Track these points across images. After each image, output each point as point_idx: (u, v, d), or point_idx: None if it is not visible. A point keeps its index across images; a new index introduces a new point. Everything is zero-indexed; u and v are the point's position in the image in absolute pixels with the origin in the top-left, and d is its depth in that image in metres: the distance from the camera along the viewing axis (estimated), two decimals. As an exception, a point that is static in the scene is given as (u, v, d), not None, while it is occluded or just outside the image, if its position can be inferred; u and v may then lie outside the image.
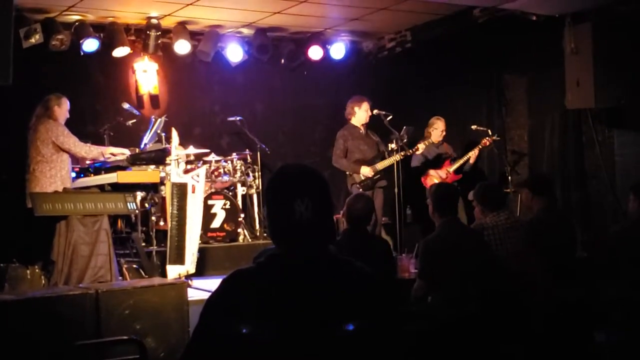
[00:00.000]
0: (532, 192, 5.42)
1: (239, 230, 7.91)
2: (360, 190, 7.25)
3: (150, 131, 7.58)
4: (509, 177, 8.12)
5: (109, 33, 8.11)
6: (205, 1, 7.47)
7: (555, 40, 7.49)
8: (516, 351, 4.42)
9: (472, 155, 8.06)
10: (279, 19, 8.27)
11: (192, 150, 7.60)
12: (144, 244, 6.97)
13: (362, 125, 7.68)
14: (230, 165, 8.18)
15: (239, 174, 8.21)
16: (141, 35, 8.36)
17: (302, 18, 8.27)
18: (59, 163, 6.44)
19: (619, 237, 5.23)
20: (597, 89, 7.07)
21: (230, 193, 8.02)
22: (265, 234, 8.15)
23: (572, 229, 5.54)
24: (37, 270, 6.16)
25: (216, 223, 7.71)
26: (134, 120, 7.80)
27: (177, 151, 6.61)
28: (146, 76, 8.63)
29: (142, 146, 7.45)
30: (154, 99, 8.74)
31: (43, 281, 6.13)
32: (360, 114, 7.64)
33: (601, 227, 7.58)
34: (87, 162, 6.89)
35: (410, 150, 7.61)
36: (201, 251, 6.75)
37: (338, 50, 9.31)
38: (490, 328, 4.34)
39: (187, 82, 9.03)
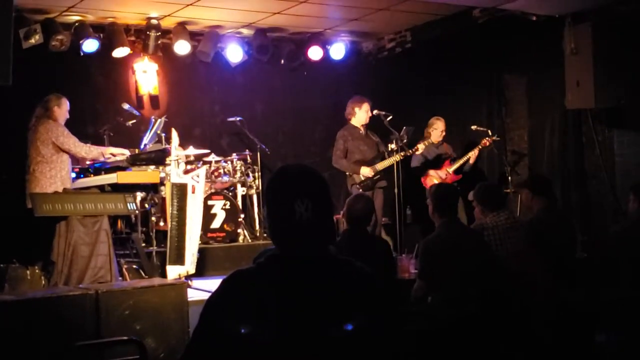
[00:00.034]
0: (532, 192, 5.42)
1: (239, 230, 7.91)
2: (360, 190, 7.25)
3: (150, 132, 7.58)
4: (509, 178, 8.12)
5: (109, 33, 8.11)
6: (205, 2, 7.47)
7: (555, 40, 7.50)
8: (516, 351, 4.42)
9: (472, 155, 8.06)
10: (278, 20, 8.27)
11: (192, 150, 7.59)
12: (143, 245, 6.96)
13: (362, 125, 7.68)
14: (230, 165, 8.18)
15: (238, 174, 8.21)
16: (141, 36, 8.37)
17: (301, 18, 8.27)
18: (59, 163, 6.44)
19: (618, 238, 5.24)
20: (597, 89, 7.07)
21: (230, 193, 8.02)
22: (265, 235, 8.15)
23: (572, 229, 5.54)
24: (37, 271, 6.16)
25: (216, 223, 7.71)
26: (134, 121, 7.79)
27: (177, 152, 6.61)
28: (146, 77, 8.63)
29: (142, 147, 7.45)
30: (153, 99, 8.74)
31: (43, 282, 6.13)
32: (360, 115, 7.64)
33: (601, 227, 7.58)
34: (87, 162, 6.89)
35: (410, 151, 7.61)
36: (201, 251, 6.75)
37: (338, 51, 9.32)
38: (490, 328, 4.34)
39: (187, 83, 9.03)
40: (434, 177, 8.01)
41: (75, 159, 6.71)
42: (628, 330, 4.60)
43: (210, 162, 8.01)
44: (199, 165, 7.55)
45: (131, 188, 6.67)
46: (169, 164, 6.67)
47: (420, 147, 7.67)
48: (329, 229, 2.06)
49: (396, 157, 7.45)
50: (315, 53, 9.16)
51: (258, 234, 8.27)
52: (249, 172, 8.37)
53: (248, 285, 1.98)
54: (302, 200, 1.98)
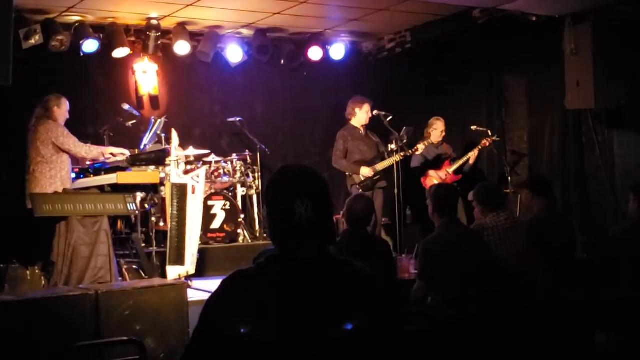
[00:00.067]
0: (532, 192, 5.42)
1: (239, 231, 7.91)
2: (360, 191, 7.25)
3: (150, 132, 7.58)
4: (509, 178, 8.12)
5: (109, 34, 8.11)
6: (205, 2, 7.47)
7: (555, 40, 7.49)
8: (516, 352, 4.42)
9: (472, 155, 8.06)
10: (278, 20, 8.27)
11: (192, 151, 7.60)
12: (143, 245, 6.96)
13: (362, 126, 7.68)
14: (230, 166, 8.18)
15: (238, 174, 8.21)
16: (141, 36, 8.37)
17: (301, 19, 8.27)
18: (59, 164, 6.44)
19: (618, 238, 5.24)
20: (597, 89, 7.06)
21: (230, 194, 8.02)
22: (265, 235, 8.15)
23: (572, 230, 5.55)
24: (37, 271, 6.16)
25: (216, 224, 7.71)
26: (134, 121, 7.79)
27: (177, 152, 6.61)
28: (146, 77, 8.63)
29: (141, 147, 7.45)
30: (153, 99, 8.74)
31: (43, 282, 6.13)
32: (360, 115, 7.64)
33: (601, 227, 7.58)
34: (87, 162, 6.89)
35: (410, 151, 7.61)
36: (201, 252, 6.75)
37: (338, 51, 9.32)
38: (490, 329, 4.34)
39: (187, 83, 9.03)
40: (433, 178, 8.01)
41: (75, 159, 6.71)
42: (628, 330, 4.60)
43: (210, 163, 8.01)
44: (199, 166, 7.55)
45: (131, 188, 6.67)
46: (169, 165, 6.67)
47: (420, 147, 7.67)
48: (329, 230, 2.06)
49: (396, 158, 7.45)
50: (315, 53, 9.16)
51: (258, 235, 8.27)
52: (249, 172, 8.37)
53: (248, 286, 1.98)
54: (302, 201, 1.98)
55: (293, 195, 1.99)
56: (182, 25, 8.38)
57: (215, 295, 2.01)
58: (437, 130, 8.17)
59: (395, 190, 7.44)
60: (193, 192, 6.41)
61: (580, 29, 7.21)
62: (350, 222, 4.78)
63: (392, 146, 7.56)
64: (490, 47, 8.49)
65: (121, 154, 6.86)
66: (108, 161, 6.85)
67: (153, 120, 7.70)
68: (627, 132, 7.59)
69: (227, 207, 7.78)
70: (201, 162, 7.84)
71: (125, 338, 4.30)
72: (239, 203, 8.07)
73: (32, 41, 7.42)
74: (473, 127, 8.30)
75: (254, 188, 8.40)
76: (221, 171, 8.08)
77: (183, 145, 7.17)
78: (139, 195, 6.85)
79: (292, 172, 2.10)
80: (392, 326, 2.03)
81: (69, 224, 6.04)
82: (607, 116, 7.64)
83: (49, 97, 6.57)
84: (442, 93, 8.99)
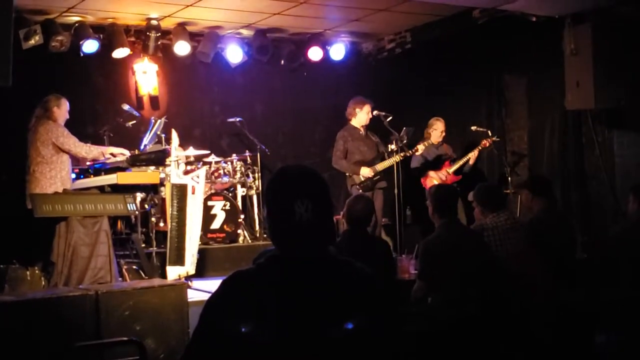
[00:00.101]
0: (532, 193, 5.43)
1: (239, 231, 7.91)
2: (360, 191, 7.25)
3: (150, 132, 7.58)
4: (509, 178, 8.12)
5: (109, 34, 8.11)
6: (205, 2, 7.47)
7: (555, 41, 7.49)
8: (516, 352, 4.42)
9: (472, 156, 8.06)
10: (278, 20, 8.27)
11: (191, 151, 7.60)
12: (143, 245, 6.96)
13: (362, 126, 7.68)
14: (230, 166, 8.18)
15: (238, 175, 8.21)
16: (141, 37, 8.37)
17: (301, 19, 8.27)
18: (59, 164, 6.44)
19: (618, 238, 5.24)
20: (597, 89, 7.06)
21: (230, 194, 8.02)
22: (265, 235, 8.14)
23: (572, 230, 5.55)
24: (37, 272, 6.16)
25: (216, 224, 7.71)
26: (134, 122, 7.80)
27: (177, 152, 6.61)
28: (146, 77, 8.63)
29: (141, 147, 7.44)
30: (153, 100, 8.74)
31: (43, 282, 6.13)
32: (361, 116, 7.65)
33: (601, 228, 7.58)
34: (87, 162, 6.89)
35: (410, 151, 7.61)
36: (201, 252, 6.75)
37: (338, 51, 9.32)
38: (490, 329, 4.34)
39: (187, 83, 9.03)
40: (433, 178, 8.01)
41: (75, 159, 6.71)
42: (628, 330, 4.60)
43: (210, 163, 8.01)
44: (199, 166, 7.56)
45: (131, 189, 6.68)
46: (169, 165, 6.67)
47: (420, 147, 7.67)
48: (328, 230, 2.06)
49: (396, 158, 7.45)
50: (315, 54, 9.16)
51: (258, 235, 8.27)
52: (249, 172, 8.37)
53: (248, 286, 1.98)
54: (302, 201, 1.98)
55: (293, 196, 1.99)
56: (182, 25, 8.38)
57: (215, 296, 2.01)
58: (437, 130, 8.17)
59: (395, 191, 7.44)
60: (193, 193, 6.41)
61: (580, 30, 7.21)
62: (350, 223, 4.78)
63: (392, 146, 7.57)
64: (490, 47, 8.49)
65: (121, 154, 6.86)
66: (108, 161, 6.85)
67: (153, 121, 7.69)
68: (627, 133, 7.59)
69: (227, 207, 7.78)
70: (201, 163, 7.84)
71: (125, 338, 4.30)
72: (239, 203, 8.07)
73: (32, 41, 7.42)
74: (473, 128, 8.31)
75: (254, 188, 8.40)
76: (221, 171, 8.08)
77: (183, 145, 7.17)
78: (139, 196, 6.85)
79: (292, 172, 2.10)
80: (392, 326, 2.02)
81: (69, 225, 6.04)
82: (607, 116, 7.64)
83: (49, 97, 6.57)
84: (442, 93, 9.00)
